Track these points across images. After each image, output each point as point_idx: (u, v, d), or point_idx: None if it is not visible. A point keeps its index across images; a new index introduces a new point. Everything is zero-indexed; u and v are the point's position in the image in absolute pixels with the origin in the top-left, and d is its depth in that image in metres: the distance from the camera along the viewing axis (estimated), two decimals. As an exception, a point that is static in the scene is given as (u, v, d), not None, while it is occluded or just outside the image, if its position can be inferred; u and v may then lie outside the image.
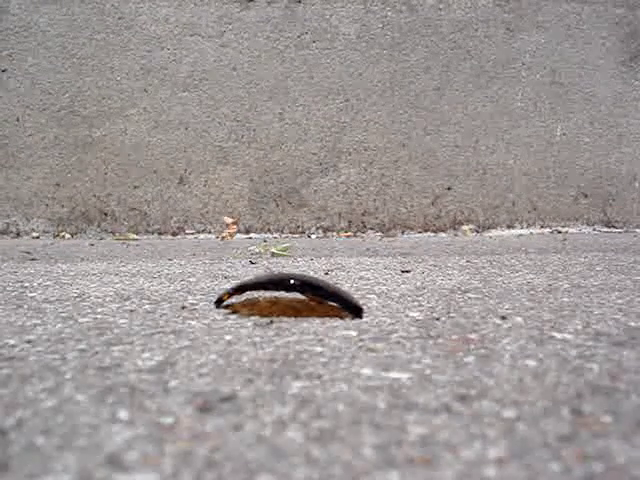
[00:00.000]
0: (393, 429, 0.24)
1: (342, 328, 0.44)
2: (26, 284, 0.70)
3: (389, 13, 1.76)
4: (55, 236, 1.67)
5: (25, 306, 0.55)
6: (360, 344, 0.39)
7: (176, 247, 1.32)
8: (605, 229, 1.80)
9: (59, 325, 0.46)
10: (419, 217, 1.74)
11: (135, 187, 1.70)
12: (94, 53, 1.70)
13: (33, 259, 1.03)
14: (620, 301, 0.55)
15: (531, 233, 1.75)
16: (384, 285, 0.67)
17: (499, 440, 0.23)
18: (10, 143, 1.68)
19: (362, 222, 1.74)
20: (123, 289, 0.65)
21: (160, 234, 1.70)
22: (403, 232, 1.73)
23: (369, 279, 0.73)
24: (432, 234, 1.73)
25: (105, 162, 1.70)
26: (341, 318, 0.48)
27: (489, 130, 1.79)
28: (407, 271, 0.80)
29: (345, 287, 0.66)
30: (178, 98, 1.71)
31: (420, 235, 1.72)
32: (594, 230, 1.80)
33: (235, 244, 1.40)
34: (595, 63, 1.83)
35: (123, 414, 0.27)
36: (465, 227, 1.75)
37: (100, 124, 1.70)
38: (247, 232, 1.70)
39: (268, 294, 0.54)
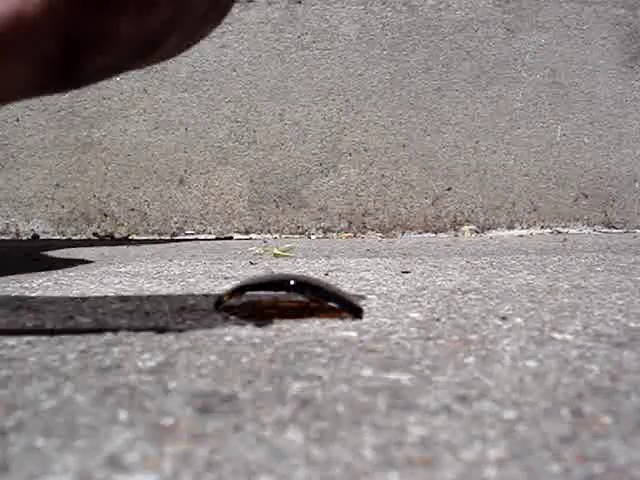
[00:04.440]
0: (393, 430, 0.24)
1: (342, 329, 0.44)
2: (26, 285, 0.70)
3: (389, 13, 1.76)
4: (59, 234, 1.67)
5: (25, 307, 0.55)
6: (360, 345, 0.39)
7: (176, 248, 1.32)
8: (605, 230, 1.80)
9: (59, 326, 0.46)
10: (419, 218, 1.74)
11: (135, 188, 1.70)
12: (94, 54, 1.70)
13: (33, 260, 1.03)
14: (620, 302, 0.55)
15: (531, 234, 1.75)
16: (384, 286, 0.67)
17: (499, 441, 0.23)
18: (10, 144, 1.68)
19: (362, 223, 1.74)
20: (123, 290, 0.65)
21: (160, 235, 1.70)
22: (403, 233, 1.73)
23: (369, 280, 0.73)
24: (432, 235, 1.73)
25: (105, 163, 1.70)
26: (341, 319, 0.48)
27: (489, 131, 1.79)
28: (407, 272, 0.80)
29: (345, 288, 0.66)
30: (178, 99, 1.71)
31: (420, 236, 1.72)
32: (594, 231, 1.80)
33: (235, 245, 1.40)
34: (595, 63, 1.83)
35: (123, 415, 0.27)
36: (465, 228, 1.75)
37: (100, 125, 1.70)
38: (247, 233, 1.70)
39: (268, 295, 0.54)
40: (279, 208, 1.72)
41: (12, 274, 0.80)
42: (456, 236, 1.71)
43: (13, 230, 1.68)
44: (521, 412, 0.26)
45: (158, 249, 1.28)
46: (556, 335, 0.41)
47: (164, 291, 0.64)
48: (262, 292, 0.53)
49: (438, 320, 0.47)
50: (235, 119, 1.72)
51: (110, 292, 0.63)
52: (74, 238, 1.68)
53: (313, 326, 0.45)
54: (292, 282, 0.48)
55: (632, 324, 0.44)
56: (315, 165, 1.74)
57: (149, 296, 0.60)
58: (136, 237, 1.68)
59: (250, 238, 1.68)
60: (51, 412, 0.27)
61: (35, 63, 0.35)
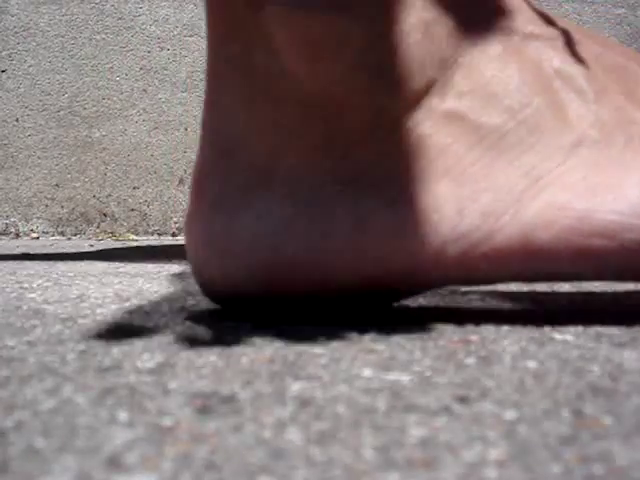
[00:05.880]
0: (393, 431, 0.24)
1: (342, 329, 0.44)
2: (25, 285, 0.70)
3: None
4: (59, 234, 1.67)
5: (24, 307, 0.55)
6: (360, 345, 0.39)
7: (176, 248, 1.32)
8: (605, 230, 1.80)
9: (58, 326, 0.46)
10: (419, 218, 1.74)
11: (135, 188, 1.70)
12: (94, 53, 1.70)
13: (32, 260, 1.03)
14: (621, 302, 0.54)
15: (531, 234, 1.75)
16: (384, 286, 0.67)
17: (500, 441, 0.23)
18: (9, 144, 1.68)
19: (362, 223, 1.74)
20: (123, 290, 0.65)
21: (160, 235, 1.70)
22: (403, 233, 1.73)
23: (369, 280, 0.73)
24: (432, 235, 1.73)
25: (105, 163, 1.70)
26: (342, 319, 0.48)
27: (489, 131, 1.78)
28: (407, 272, 0.80)
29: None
30: (178, 98, 1.71)
31: (420, 236, 1.72)
32: (594, 231, 1.80)
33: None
34: (595, 64, 1.83)
35: (122, 415, 0.27)
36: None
37: (100, 125, 1.70)
38: (247, 233, 1.70)
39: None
40: (279, 208, 1.72)
41: (11, 274, 0.80)
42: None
43: (13, 230, 1.68)
44: (521, 412, 0.26)
45: (158, 249, 1.28)
46: (556, 335, 0.41)
47: (164, 291, 0.64)
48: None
49: (438, 320, 0.47)
50: (235, 119, 1.72)
51: (110, 292, 0.63)
52: (74, 238, 1.68)
53: (313, 326, 0.45)
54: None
55: (633, 324, 0.44)
56: (315, 165, 1.74)
57: (149, 296, 0.60)
58: (136, 237, 1.68)
59: (250, 238, 1.67)
60: (50, 412, 0.27)
61: None
